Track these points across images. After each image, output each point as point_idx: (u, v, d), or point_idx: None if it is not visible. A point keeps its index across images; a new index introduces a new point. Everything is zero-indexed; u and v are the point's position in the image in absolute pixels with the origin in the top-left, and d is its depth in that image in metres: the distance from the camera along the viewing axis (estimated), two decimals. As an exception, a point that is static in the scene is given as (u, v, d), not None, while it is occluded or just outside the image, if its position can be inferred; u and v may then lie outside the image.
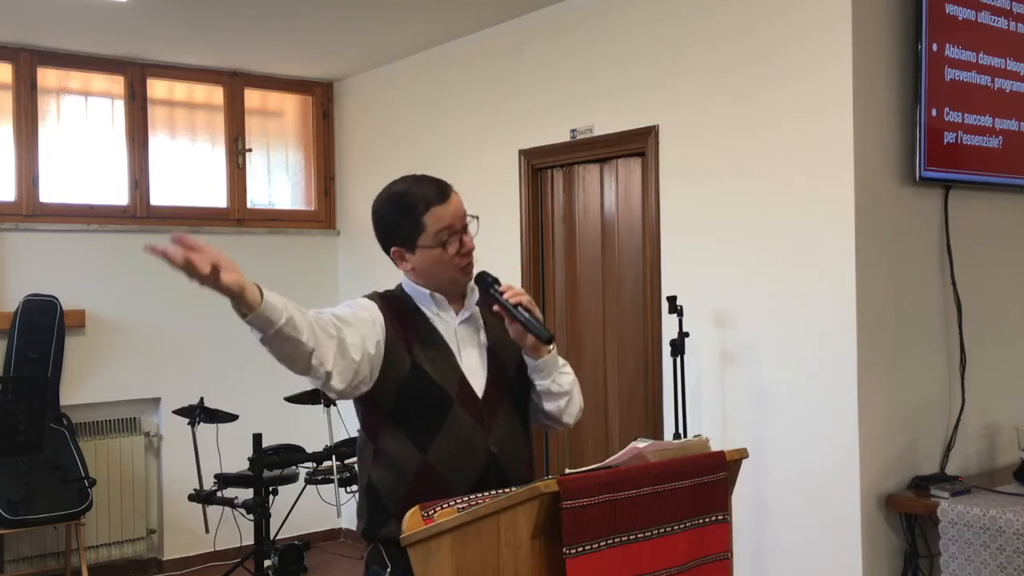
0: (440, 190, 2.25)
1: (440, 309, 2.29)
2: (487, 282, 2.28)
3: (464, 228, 2.26)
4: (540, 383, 2.31)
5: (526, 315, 2.21)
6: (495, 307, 2.25)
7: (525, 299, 2.23)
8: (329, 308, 2.19)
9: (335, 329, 2.09)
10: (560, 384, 2.32)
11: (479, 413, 2.22)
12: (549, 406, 2.34)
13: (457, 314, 2.31)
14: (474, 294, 2.34)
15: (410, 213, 2.23)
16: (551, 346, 2.30)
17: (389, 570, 2.18)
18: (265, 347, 2.00)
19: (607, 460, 1.96)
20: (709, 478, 1.97)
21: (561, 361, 2.35)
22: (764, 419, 3.89)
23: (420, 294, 2.29)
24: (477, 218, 2.31)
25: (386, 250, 2.31)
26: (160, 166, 5.90)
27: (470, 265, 2.28)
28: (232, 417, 4.84)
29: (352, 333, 2.11)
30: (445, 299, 2.29)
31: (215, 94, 6.14)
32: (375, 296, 2.29)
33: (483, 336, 2.32)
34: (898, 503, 3.62)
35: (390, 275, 2.36)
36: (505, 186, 5.00)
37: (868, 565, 3.58)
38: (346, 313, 2.17)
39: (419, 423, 2.18)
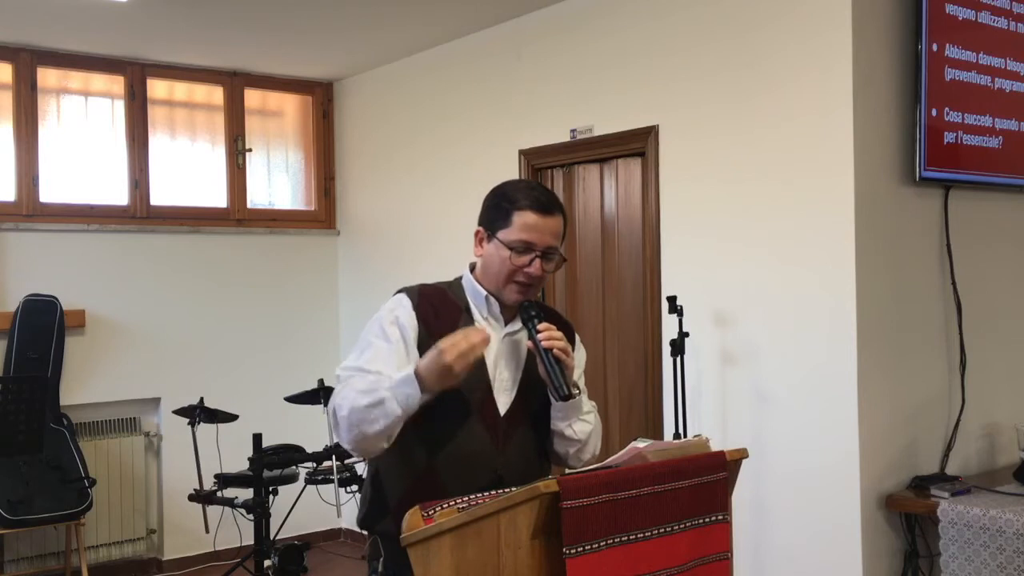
0: (546, 204, 2.20)
1: (491, 315, 2.23)
2: (529, 314, 2.19)
3: (545, 254, 2.19)
4: (555, 424, 2.25)
5: (552, 363, 2.13)
6: (528, 342, 2.18)
7: (559, 345, 2.14)
8: (372, 333, 2.17)
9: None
10: (575, 431, 2.25)
11: (496, 431, 2.18)
12: (558, 447, 2.28)
13: (506, 324, 2.25)
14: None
15: (508, 203, 2.20)
16: (577, 391, 2.23)
17: (382, 559, 2.20)
18: (394, 423, 2.03)
19: (607, 460, 1.96)
20: (709, 478, 1.97)
21: (587, 407, 2.27)
22: (764, 419, 3.88)
23: (477, 293, 2.24)
24: (566, 260, 2.27)
25: (478, 227, 2.27)
26: (160, 166, 5.90)
27: (527, 289, 2.20)
28: (232, 417, 4.84)
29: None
30: (499, 306, 2.23)
31: (215, 94, 6.14)
32: (414, 292, 2.23)
33: (523, 354, 2.25)
34: (898, 503, 3.62)
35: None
36: (505, 186, 5.00)
37: (868, 565, 3.58)
38: (384, 349, 2.13)
39: (434, 426, 2.13)
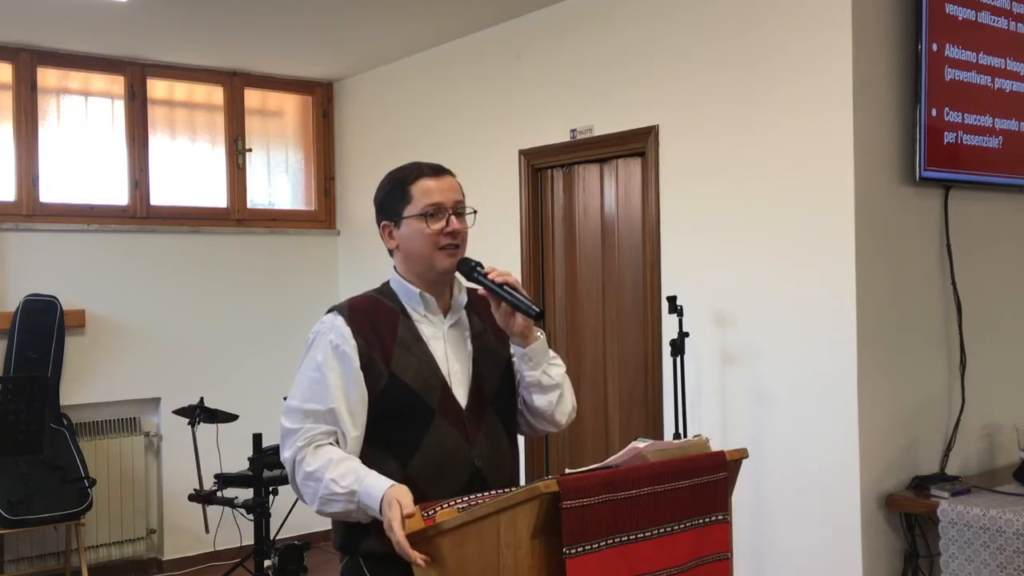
0: (436, 167, 2.24)
1: (428, 311, 2.22)
2: (470, 266, 2.21)
3: (456, 211, 2.20)
4: (530, 374, 2.24)
5: (513, 293, 2.16)
6: (480, 290, 2.20)
7: (511, 279, 2.18)
8: (309, 367, 2.18)
9: (340, 435, 2.13)
10: (551, 376, 2.26)
11: (462, 424, 2.16)
12: (540, 401, 2.26)
13: (445, 317, 2.24)
14: (462, 295, 2.27)
15: (400, 184, 2.21)
16: (540, 333, 2.24)
17: None
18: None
19: (607, 460, 1.96)
20: (709, 478, 1.97)
21: (552, 353, 2.29)
22: (764, 419, 3.88)
23: (409, 293, 2.22)
24: (475, 211, 2.27)
25: (379, 228, 2.27)
26: (160, 166, 5.90)
27: (455, 250, 2.20)
28: (232, 417, 4.84)
29: (343, 415, 2.12)
30: (434, 300, 2.22)
31: (215, 94, 6.14)
32: (344, 309, 2.20)
33: (470, 342, 2.25)
34: (898, 503, 3.62)
35: (389, 275, 2.35)
36: (505, 186, 5.00)
37: (868, 565, 3.58)
38: (322, 381, 2.14)
39: (399, 436, 2.12)
